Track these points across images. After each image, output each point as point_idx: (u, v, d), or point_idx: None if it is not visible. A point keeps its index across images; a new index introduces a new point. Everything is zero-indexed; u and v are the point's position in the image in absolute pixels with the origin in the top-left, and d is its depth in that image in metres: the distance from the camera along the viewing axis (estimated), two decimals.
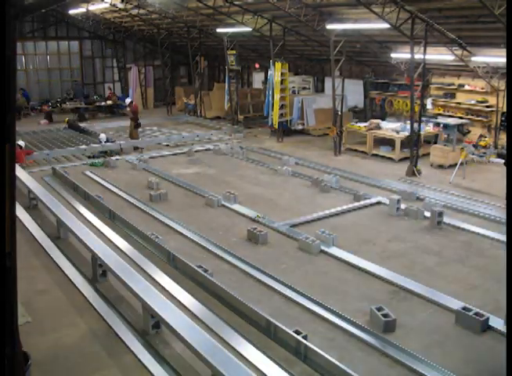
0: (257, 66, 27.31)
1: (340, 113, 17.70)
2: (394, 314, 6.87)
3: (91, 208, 11.27)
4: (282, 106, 19.65)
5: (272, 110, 19.69)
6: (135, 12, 22.80)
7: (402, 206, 11.56)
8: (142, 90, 29.44)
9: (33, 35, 27.29)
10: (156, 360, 6.08)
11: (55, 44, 28.35)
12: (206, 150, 18.00)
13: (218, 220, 11.06)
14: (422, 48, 14.12)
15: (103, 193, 12.61)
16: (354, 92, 21.87)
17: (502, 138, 16.64)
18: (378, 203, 12.07)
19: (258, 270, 8.40)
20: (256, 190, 13.25)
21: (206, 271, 8.06)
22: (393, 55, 17.42)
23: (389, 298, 7.66)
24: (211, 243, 9.57)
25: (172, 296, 7.00)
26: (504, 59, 13.29)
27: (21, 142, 16.52)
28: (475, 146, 14.65)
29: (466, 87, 17.57)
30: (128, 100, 19.40)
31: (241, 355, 5.67)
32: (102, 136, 18.30)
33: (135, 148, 18.36)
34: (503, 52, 13.33)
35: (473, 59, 15.47)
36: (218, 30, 21.10)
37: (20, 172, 12.62)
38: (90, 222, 9.79)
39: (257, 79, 28.09)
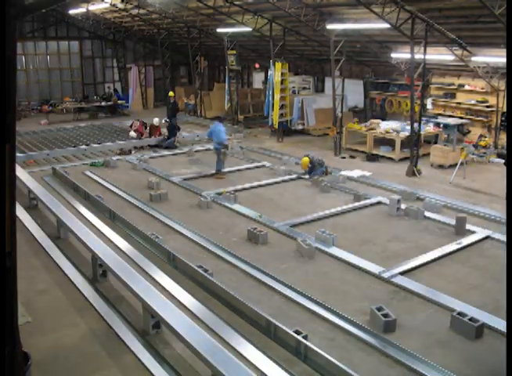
0: (257, 66, 27.31)
1: (340, 114, 17.70)
2: (394, 314, 6.88)
3: (92, 208, 11.27)
4: (282, 106, 19.65)
5: (272, 110, 19.70)
6: (135, 12, 22.80)
7: (402, 206, 11.58)
8: (142, 90, 29.45)
9: (33, 35, 27.29)
10: (156, 360, 6.08)
11: (56, 44, 28.35)
12: (206, 149, 17.99)
13: (218, 220, 11.05)
14: (422, 48, 14.12)
15: (103, 193, 12.61)
16: (354, 92, 21.88)
17: (503, 138, 16.64)
18: (378, 203, 12.07)
19: (258, 270, 8.40)
20: (256, 190, 13.24)
21: (206, 271, 8.06)
22: (393, 55, 17.42)
23: (389, 298, 7.66)
24: (211, 243, 9.57)
25: (172, 296, 7.01)
26: (504, 59, 13.29)
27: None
28: (475, 146, 14.65)
29: (467, 87, 17.57)
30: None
31: (241, 355, 5.67)
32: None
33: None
34: (503, 52, 13.33)
35: (473, 59, 15.47)
36: (218, 30, 21.10)
37: (20, 172, 12.63)
38: (90, 222, 9.79)
39: (258, 79, 28.10)
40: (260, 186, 13.60)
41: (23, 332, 4.07)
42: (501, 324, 6.68)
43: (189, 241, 9.81)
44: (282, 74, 19.28)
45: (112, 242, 8.82)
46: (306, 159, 14.24)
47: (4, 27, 2.40)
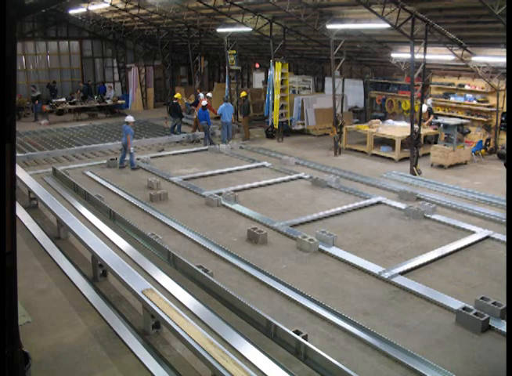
0: (257, 66, 27.32)
1: (341, 114, 17.71)
2: (394, 314, 6.87)
3: (92, 208, 11.28)
4: (282, 106, 19.66)
5: (273, 109, 19.71)
6: (135, 12, 22.81)
7: (403, 206, 11.59)
8: (142, 90, 29.46)
9: (33, 35, 27.32)
10: (156, 360, 6.08)
11: (56, 44, 28.38)
12: (206, 149, 18.00)
13: (218, 220, 11.06)
14: (422, 48, 14.13)
15: (103, 193, 12.61)
16: (354, 92, 21.91)
17: (502, 138, 16.65)
18: (378, 203, 12.08)
19: (258, 270, 8.40)
20: (256, 190, 13.24)
21: (206, 271, 8.06)
22: (393, 55, 17.43)
23: (389, 298, 7.67)
24: (211, 243, 9.57)
25: (172, 296, 7.02)
26: (504, 59, 13.29)
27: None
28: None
29: (467, 87, 17.57)
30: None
31: (241, 355, 5.68)
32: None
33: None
34: (503, 51, 13.34)
35: (473, 59, 15.47)
36: (219, 30, 21.11)
37: (20, 172, 12.64)
38: (90, 222, 9.81)
39: (258, 79, 28.10)
40: (260, 186, 13.62)
41: (23, 332, 4.09)
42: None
43: (189, 241, 9.82)
44: (282, 74, 19.29)
45: (112, 242, 8.84)
46: None
47: (4, 28, 2.40)
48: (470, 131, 16.86)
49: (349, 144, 17.89)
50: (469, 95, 17.54)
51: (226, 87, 23.25)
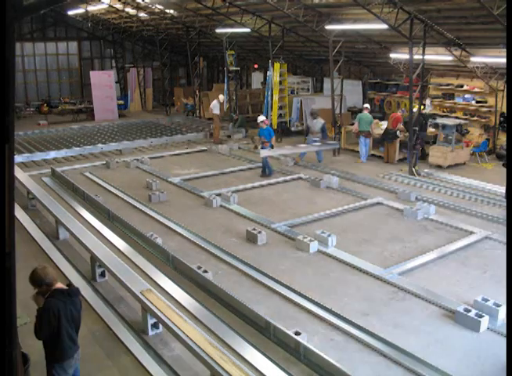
0: (256, 66, 27.34)
1: (340, 115, 17.70)
2: (393, 314, 6.88)
3: (90, 209, 11.27)
4: (281, 107, 19.66)
5: (271, 110, 19.71)
6: (133, 12, 22.80)
7: (402, 206, 11.60)
8: (141, 91, 29.46)
9: (31, 36, 27.30)
10: (155, 361, 6.08)
11: (54, 45, 28.37)
12: (205, 149, 18.00)
13: (218, 221, 11.05)
14: (421, 49, 14.14)
15: (102, 194, 12.60)
16: (352, 93, 21.90)
17: (500, 138, 16.66)
18: (377, 203, 12.08)
19: (257, 271, 8.40)
20: (255, 191, 13.24)
21: (205, 272, 8.06)
22: (392, 55, 17.44)
23: (389, 299, 7.67)
24: (210, 243, 9.57)
25: (171, 297, 7.01)
26: (503, 60, 13.31)
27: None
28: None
29: (465, 87, 17.59)
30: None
31: (240, 355, 5.67)
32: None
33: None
34: (502, 52, 13.36)
35: (472, 59, 15.49)
36: (217, 30, 21.10)
37: (19, 173, 12.63)
38: (89, 223, 9.79)
39: (256, 79, 28.11)
40: (261, 186, 13.62)
41: (21, 333, 4.08)
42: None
43: (187, 242, 9.81)
44: (280, 74, 19.29)
45: (111, 243, 8.83)
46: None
47: (4, 29, 2.40)
48: (468, 132, 16.87)
49: (348, 145, 17.88)
50: (467, 96, 17.56)
51: (225, 87, 23.25)
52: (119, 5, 21.76)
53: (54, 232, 10.06)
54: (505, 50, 11.66)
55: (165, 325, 6.13)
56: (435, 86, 18.75)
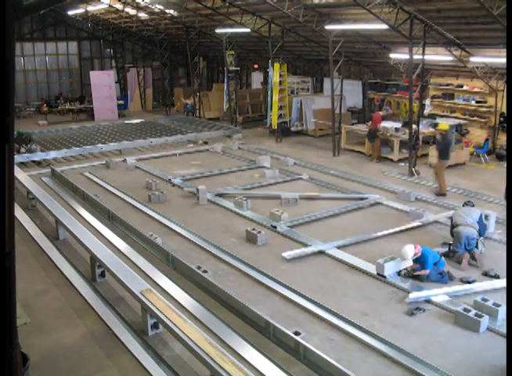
0: (255, 66, 27.35)
1: (340, 115, 17.72)
2: (393, 314, 6.87)
3: (90, 209, 11.28)
4: (281, 107, 19.67)
5: (271, 110, 19.72)
6: (133, 12, 22.80)
7: (401, 206, 11.61)
8: (140, 91, 29.46)
9: (31, 36, 27.30)
10: (155, 361, 6.08)
11: (54, 45, 28.37)
12: (205, 150, 18.00)
13: (218, 221, 11.05)
14: (421, 49, 14.14)
15: (102, 194, 12.60)
16: (352, 93, 21.90)
17: (500, 138, 16.66)
18: (377, 203, 12.08)
19: (257, 271, 8.40)
20: (255, 191, 13.23)
21: (205, 272, 8.06)
22: (392, 55, 17.44)
23: (388, 299, 7.67)
24: (210, 243, 9.57)
25: (171, 297, 7.02)
26: (503, 60, 13.31)
27: None
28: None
29: (465, 87, 17.59)
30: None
31: (240, 355, 5.68)
32: None
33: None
34: (502, 52, 13.36)
35: (471, 59, 15.49)
36: (217, 30, 21.10)
37: (19, 173, 12.63)
38: (89, 223, 9.80)
39: (256, 80, 28.12)
40: (261, 186, 13.63)
41: (21, 333, 4.08)
42: None
43: (187, 242, 9.81)
44: (280, 74, 19.30)
45: (111, 243, 8.84)
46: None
47: (4, 29, 2.40)
48: (468, 132, 16.87)
49: (348, 144, 17.90)
50: (467, 96, 17.56)
51: (225, 87, 23.27)
52: (119, 5, 21.76)
53: (54, 232, 10.06)
54: (505, 50, 11.66)
55: (165, 325, 6.13)
56: (435, 86, 18.75)
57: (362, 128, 17.65)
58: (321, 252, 9.22)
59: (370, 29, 15.31)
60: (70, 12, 25.24)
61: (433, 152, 15.36)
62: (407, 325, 6.92)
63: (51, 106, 26.61)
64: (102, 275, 8.23)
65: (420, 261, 8.10)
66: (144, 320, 6.70)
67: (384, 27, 13.64)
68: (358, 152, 17.34)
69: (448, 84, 18.21)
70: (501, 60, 13.71)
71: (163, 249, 8.90)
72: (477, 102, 17.20)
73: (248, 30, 18.97)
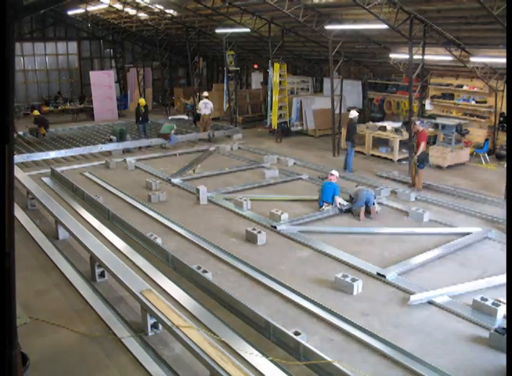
0: (255, 66, 27.35)
1: (340, 115, 17.72)
2: (393, 314, 6.86)
3: (90, 209, 11.27)
4: (281, 107, 19.67)
5: (271, 110, 19.72)
6: (133, 12, 22.80)
7: (400, 206, 11.62)
8: (140, 91, 29.47)
9: (31, 36, 27.30)
10: (155, 361, 6.08)
11: (54, 45, 28.37)
12: (205, 150, 17.99)
13: (217, 221, 11.05)
14: (420, 49, 14.14)
15: (102, 194, 12.60)
16: (352, 93, 21.90)
17: (500, 138, 16.67)
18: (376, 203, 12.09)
19: (257, 271, 8.40)
20: (254, 191, 13.24)
21: (205, 272, 8.06)
22: (392, 55, 17.44)
23: (388, 299, 7.67)
24: (210, 243, 9.57)
25: (171, 297, 7.02)
26: (502, 60, 13.31)
27: None
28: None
29: (465, 87, 17.60)
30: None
31: (240, 355, 5.68)
32: None
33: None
34: (502, 52, 13.36)
35: (471, 59, 15.49)
36: (217, 30, 21.11)
37: (19, 173, 12.63)
38: (88, 223, 9.80)
39: (256, 80, 28.11)
40: (261, 186, 13.63)
41: (21, 333, 4.07)
42: None
43: (187, 242, 9.81)
44: (280, 74, 19.30)
45: (110, 243, 8.83)
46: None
47: (4, 29, 2.40)
48: (468, 132, 16.88)
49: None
50: (467, 96, 17.57)
51: (225, 88, 23.27)
52: (119, 5, 21.75)
53: (53, 232, 10.06)
54: (505, 50, 11.67)
55: (165, 325, 6.13)
56: (435, 86, 18.75)
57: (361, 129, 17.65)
58: None
59: (370, 29, 15.32)
60: (70, 12, 25.25)
61: (432, 151, 15.39)
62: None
63: (51, 105, 26.60)
64: (102, 275, 8.23)
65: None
66: (144, 320, 6.70)
67: (384, 27, 13.65)
68: (358, 152, 17.32)
69: (448, 85, 18.22)
70: (501, 60, 13.71)
71: (163, 249, 8.90)
72: (476, 102, 17.22)
73: (248, 30, 18.97)
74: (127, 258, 8.46)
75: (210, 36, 23.60)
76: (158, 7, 20.98)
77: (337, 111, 17.62)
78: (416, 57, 14.28)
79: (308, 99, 21.38)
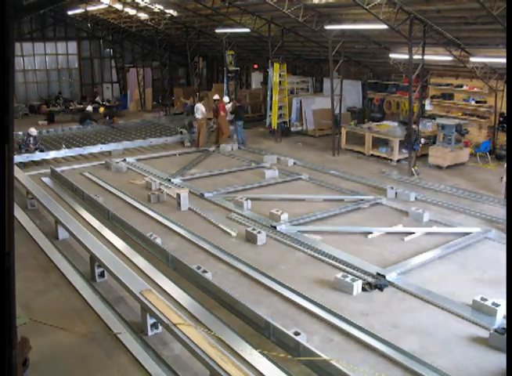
0: (255, 66, 27.34)
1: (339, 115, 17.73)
2: (393, 314, 6.86)
3: (90, 209, 11.26)
4: (280, 107, 19.67)
5: (271, 110, 19.72)
6: (133, 12, 22.79)
7: (400, 206, 11.62)
8: (140, 91, 29.44)
9: (31, 36, 27.27)
10: (155, 361, 6.08)
11: (53, 45, 28.35)
12: (205, 150, 17.99)
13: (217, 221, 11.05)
14: (420, 49, 14.13)
15: (101, 194, 12.59)
16: (352, 93, 21.90)
17: (500, 138, 16.66)
18: (376, 203, 12.08)
19: (257, 271, 8.40)
20: (254, 191, 13.24)
21: (205, 272, 8.06)
22: (391, 55, 17.44)
23: (388, 299, 7.67)
24: (210, 243, 9.56)
25: (170, 297, 7.01)
26: (502, 60, 13.31)
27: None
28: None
29: (465, 87, 17.60)
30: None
31: (240, 356, 5.68)
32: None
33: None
34: (501, 52, 13.35)
35: (471, 59, 15.48)
36: (217, 30, 21.10)
37: (19, 173, 12.62)
38: (88, 223, 9.79)
39: (256, 80, 28.10)
40: (261, 186, 13.63)
41: (21, 333, 4.07)
42: None
43: (187, 242, 9.81)
44: (280, 74, 19.29)
45: (110, 243, 8.83)
46: None
47: (4, 29, 2.40)
48: (468, 132, 16.87)
49: (348, 145, 17.90)
50: (467, 96, 17.57)
51: (225, 87, 23.26)
52: (118, 5, 21.74)
53: (53, 232, 10.06)
54: (505, 50, 11.66)
55: (164, 325, 6.13)
56: (435, 86, 18.75)
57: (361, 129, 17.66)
58: None
59: (370, 29, 15.31)
60: (70, 12, 25.22)
61: (432, 151, 15.39)
62: None
63: (51, 106, 26.57)
64: (102, 275, 8.23)
65: None
66: (144, 320, 6.70)
67: (384, 27, 13.65)
68: (358, 152, 17.33)
69: (447, 85, 18.21)
70: (501, 60, 13.71)
71: (162, 249, 8.90)
72: (476, 102, 17.22)
73: (248, 30, 18.96)
74: (126, 258, 8.45)
75: (210, 36, 23.59)
76: (158, 7, 20.96)
77: (336, 111, 17.63)
78: (415, 57, 14.28)
79: (308, 99, 21.37)
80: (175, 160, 16.84)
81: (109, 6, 21.46)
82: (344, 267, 8.65)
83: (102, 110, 24.61)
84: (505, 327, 6.40)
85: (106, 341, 6.53)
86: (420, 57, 14.31)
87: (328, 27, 15.77)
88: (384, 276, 8.19)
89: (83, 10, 23.46)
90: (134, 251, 8.68)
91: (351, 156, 17.16)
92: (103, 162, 15.99)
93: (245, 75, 29.19)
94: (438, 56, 16.05)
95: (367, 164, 15.98)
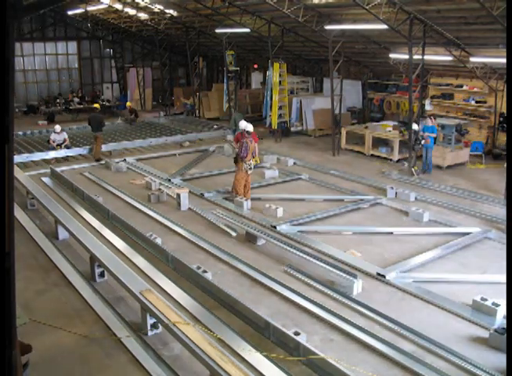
0: (255, 66, 27.35)
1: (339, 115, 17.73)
2: (393, 315, 6.86)
3: (90, 209, 11.26)
4: (280, 107, 19.67)
5: (271, 110, 19.72)
6: (133, 12, 22.80)
7: (400, 206, 11.62)
8: (140, 91, 29.46)
9: (31, 36, 27.29)
10: (155, 361, 6.07)
11: (53, 45, 28.36)
12: (205, 150, 17.99)
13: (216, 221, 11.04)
14: (420, 49, 14.13)
15: (101, 194, 12.59)
16: (352, 93, 21.90)
17: (500, 138, 16.66)
18: (376, 203, 12.09)
19: (257, 271, 8.40)
20: (254, 191, 13.23)
21: (205, 272, 8.06)
22: (391, 55, 17.44)
23: (388, 299, 7.67)
24: (210, 243, 9.56)
25: (170, 297, 7.01)
26: (502, 60, 13.31)
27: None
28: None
29: (465, 87, 17.60)
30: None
31: (240, 356, 5.68)
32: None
33: None
34: (501, 52, 13.36)
35: (471, 59, 15.49)
36: (217, 30, 21.10)
37: (19, 173, 12.63)
38: (88, 223, 9.80)
39: (256, 80, 28.11)
40: (261, 186, 13.63)
41: (21, 333, 4.07)
42: None
43: (187, 242, 9.81)
44: (280, 74, 19.30)
45: (110, 243, 8.83)
46: None
47: (4, 29, 2.40)
48: (468, 132, 16.87)
49: (348, 144, 17.91)
50: (467, 96, 17.57)
51: (225, 87, 23.27)
52: (118, 5, 21.75)
53: (53, 232, 10.05)
54: (505, 50, 11.67)
55: (164, 325, 6.13)
56: (435, 86, 18.76)
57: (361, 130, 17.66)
58: None
59: (370, 29, 15.32)
60: (70, 12, 25.25)
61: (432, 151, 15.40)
62: None
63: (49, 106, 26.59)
64: (102, 275, 8.22)
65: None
66: (144, 320, 6.69)
67: (384, 27, 13.65)
68: (358, 152, 17.34)
69: (447, 85, 18.22)
70: (501, 60, 13.71)
71: (162, 249, 8.90)
72: (476, 102, 17.22)
73: (248, 30, 18.97)
74: (126, 258, 8.45)
75: (210, 36, 23.60)
76: (158, 7, 20.97)
77: (336, 111, 17.63)
78: (415, 57, 14.28)
79: (308, 99, 21.38)
80: (175, 160, 16.85)
81: (110, 6, 21.48)
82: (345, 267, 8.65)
83: (129, 104, 25.34)
84: (505, 327, 6.40)
85: (106, 341, 6.53)
86: (419, 57, 14.31)
87: (328, 27, 15.77)
88: (384, 276, 8.20)
89: (83, 10, 23.48)
90: (134, 251, 8.68)
91: (351, 156, 17.16)
92: (103, 162, 15.99)
93: (245, 75, 29.20)
94: (438, 56, 16.05)
95: (367, 164, 15.98)
